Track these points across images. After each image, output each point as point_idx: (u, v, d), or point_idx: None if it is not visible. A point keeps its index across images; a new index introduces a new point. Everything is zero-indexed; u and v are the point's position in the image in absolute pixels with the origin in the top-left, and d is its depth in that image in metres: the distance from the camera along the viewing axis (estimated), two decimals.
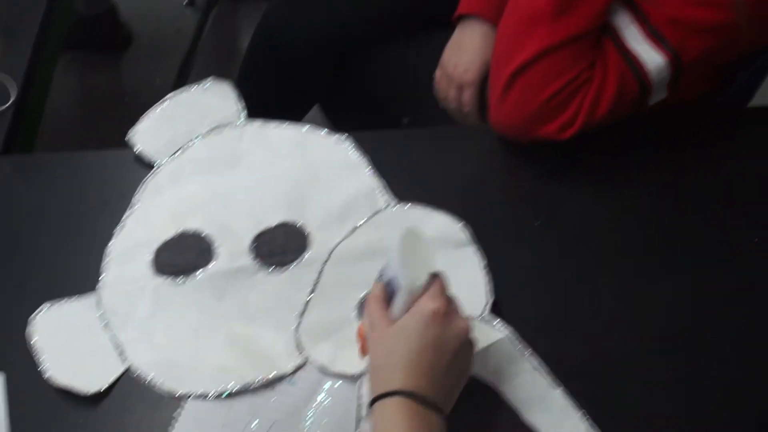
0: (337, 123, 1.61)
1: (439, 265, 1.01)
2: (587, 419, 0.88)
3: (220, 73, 1.30)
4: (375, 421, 0.77)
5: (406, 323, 0.79)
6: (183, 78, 2.23)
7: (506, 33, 1.11)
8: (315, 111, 1.65)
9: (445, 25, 1.33)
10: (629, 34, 1.07)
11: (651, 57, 1.06)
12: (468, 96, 1.28)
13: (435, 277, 0.82)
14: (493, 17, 1.23)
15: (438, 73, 1.33)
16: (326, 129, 1.16)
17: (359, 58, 1.49)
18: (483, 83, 1.25)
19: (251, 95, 1.32)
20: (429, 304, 0.79)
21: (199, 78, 1.25)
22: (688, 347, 0.96)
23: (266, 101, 1.47)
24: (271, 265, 1.04)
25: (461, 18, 1.29)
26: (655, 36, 1.05)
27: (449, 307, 0.81)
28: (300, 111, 1.62)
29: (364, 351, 0.86)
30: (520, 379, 0.90)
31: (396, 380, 0.76)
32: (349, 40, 1.49)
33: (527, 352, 0.90)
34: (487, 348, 0.90)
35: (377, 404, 0.77)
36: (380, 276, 0.86)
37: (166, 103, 1.21)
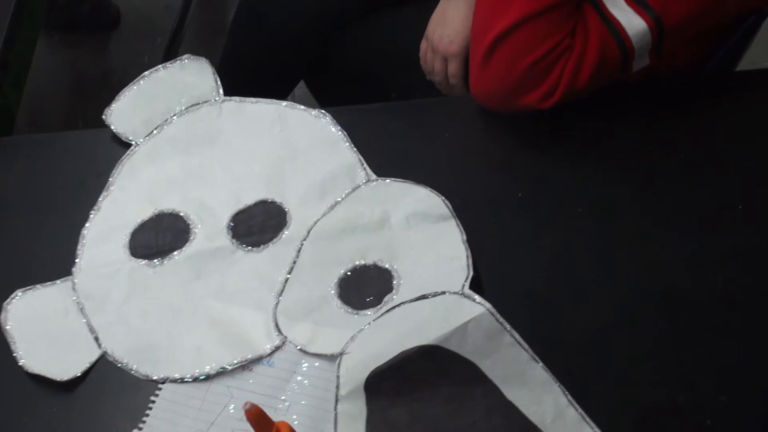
0: (324, 100, 1.59)
1: (419, 238, 1.00)
2: (567, 393, 0.86)
3: (209, 51, 1.29)
4: None
5: None
6: (171, 56, 2.19)
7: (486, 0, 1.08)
8: (303, 89, 1.63)
9: None
10: None
11: (632, 22, 1.03)
12: (454, 68, 1.26)
13: None
14: None
15: (423, 45, 1.31)
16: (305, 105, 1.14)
17: (345, 32, 1.47)
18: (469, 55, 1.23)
19: (236, 74, 1.30)
20: None
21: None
22: (671, 316, 0.93)
23: (251, 80, 1.45)
24: (249, 244, 1.02)
25: None
26: (635, 1, 1.03)
27: None
28: (285, 88, 1.60)
29: None
30: (500, 353, 0.88)
31: None
32: (334, 14, 1.46)
33: (507, 327, 0.88)
34: (467, 323, 0.88)
35: None
36: None
37: (142, 81, 1.20)
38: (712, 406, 0.87)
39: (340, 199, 1.05)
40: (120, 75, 2.41)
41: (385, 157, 1.08)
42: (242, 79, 1.31)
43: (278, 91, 1.41)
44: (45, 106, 2.28)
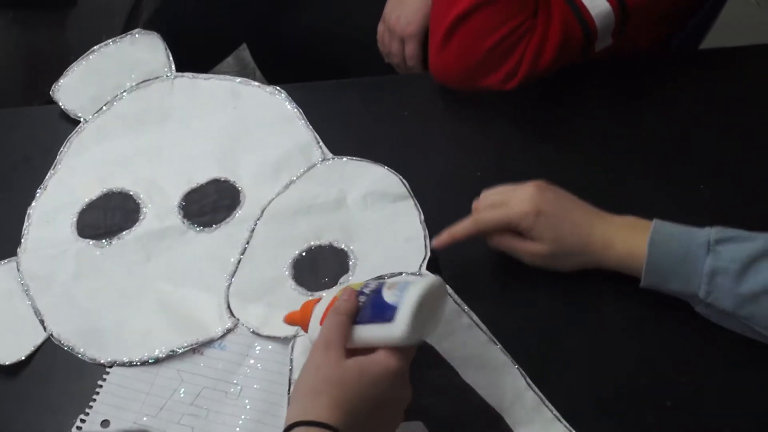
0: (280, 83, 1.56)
1: (376, 218, 0.98)
2: (526, 376, 0.85)
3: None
4: None
5: (367, 368, 0.71)
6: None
7: None
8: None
9: None
10: None
11: (595, 3, 1.02)
12: (411, 49, 1.24)
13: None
14: None
15: (380, 27, 1.29)
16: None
17: (301, 14, 1.44)
18: (426, 36, 1.21)
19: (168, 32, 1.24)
20: (397, 361, 0.72)
21: None
22: (632, 298, 0.92)
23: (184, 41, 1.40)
24: (201, 224, 0.99)
25: None
26: None
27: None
28: (223, 51, 1.57)
29: (304, 326, 0.79)
30: (458, 335, 0.86)
31: (331, 416, 0.70)
32: None
33: (465, 308, 0.87)
34: None
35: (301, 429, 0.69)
36: (363, 289, 0.76)
37: (91, 56, 1.17)
38: (672, 388, 0.86)
39: (295, 178, 1.02)
40: (77, 54, 2.36)
41: (342, 136, 1.06)
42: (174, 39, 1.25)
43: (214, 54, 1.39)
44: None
